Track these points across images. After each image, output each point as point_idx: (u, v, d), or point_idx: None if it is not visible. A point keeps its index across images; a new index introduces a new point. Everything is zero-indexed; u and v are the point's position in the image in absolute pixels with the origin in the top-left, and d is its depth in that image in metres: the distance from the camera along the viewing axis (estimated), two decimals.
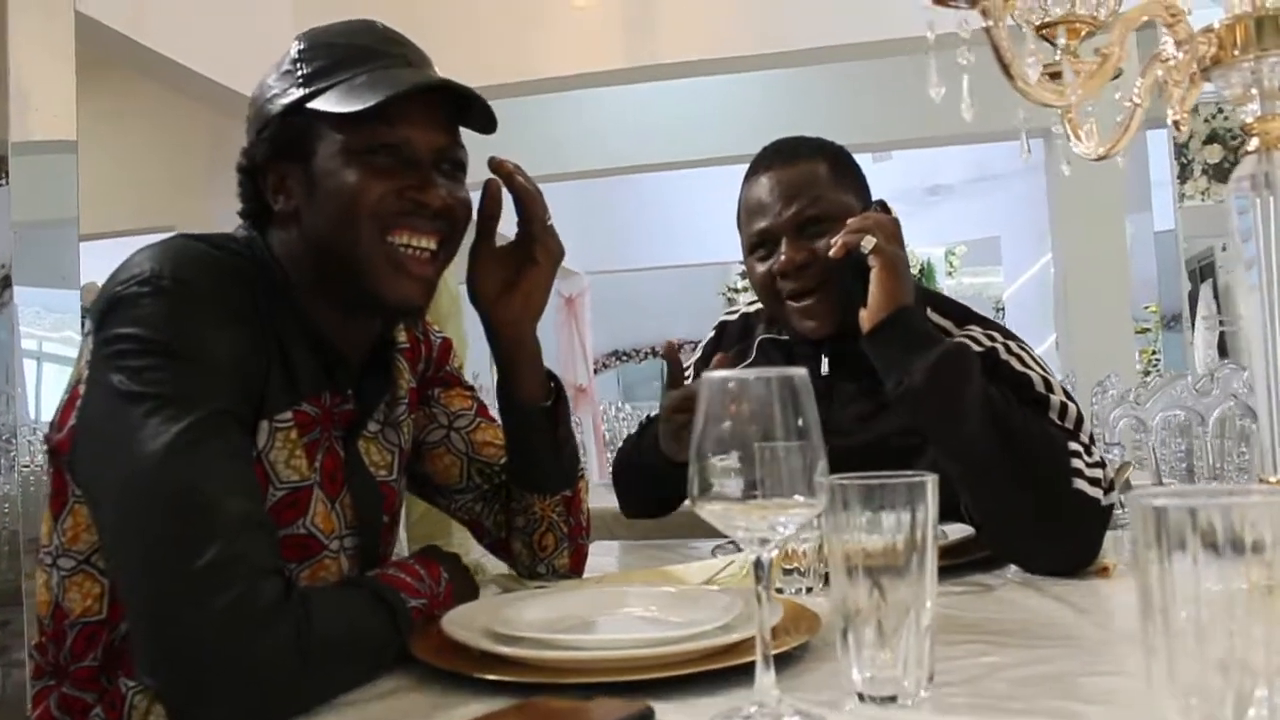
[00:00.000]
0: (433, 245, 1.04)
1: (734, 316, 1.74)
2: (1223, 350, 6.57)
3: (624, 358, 11.90)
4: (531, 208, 1.14)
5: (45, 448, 1.01)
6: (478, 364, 2.32)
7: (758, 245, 1.48)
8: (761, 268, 1.48)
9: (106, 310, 0.91)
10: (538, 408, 1.19)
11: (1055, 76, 0.88)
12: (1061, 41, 0.80)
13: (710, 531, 1.89)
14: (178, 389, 0.87)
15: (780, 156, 1.49)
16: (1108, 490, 1.22)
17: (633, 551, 1.66)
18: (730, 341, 1.70)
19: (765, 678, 0.71)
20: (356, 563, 1.08)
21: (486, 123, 1.06)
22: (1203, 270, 7.02)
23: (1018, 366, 1.35)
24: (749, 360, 1.64)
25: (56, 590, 0.99)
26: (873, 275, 1.29)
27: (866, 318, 1.29)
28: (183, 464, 0.83)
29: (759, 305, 1.70)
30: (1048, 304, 7.51)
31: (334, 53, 1.03)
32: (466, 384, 1.29)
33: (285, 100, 1.02)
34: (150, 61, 3.89)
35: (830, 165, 1.47)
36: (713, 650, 0.83)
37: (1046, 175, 6.32)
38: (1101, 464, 1.24)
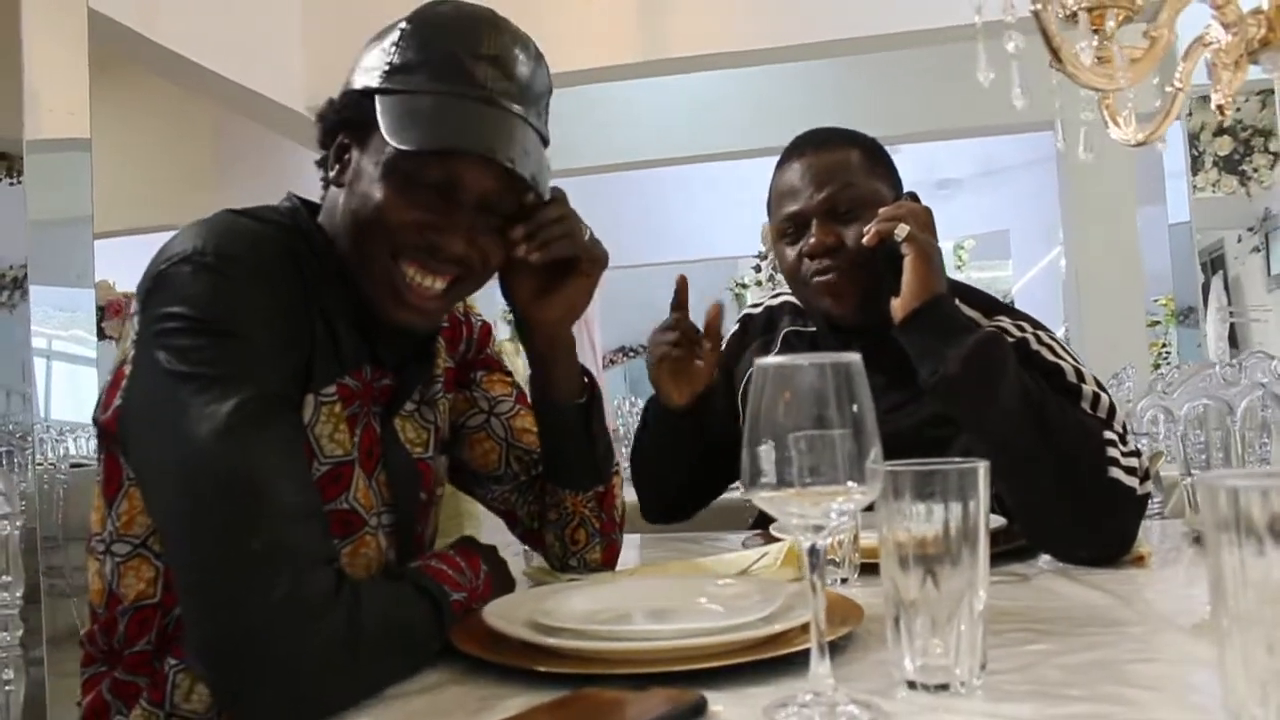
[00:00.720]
0: (440, 286, 1.01)
1: (758, 309, 1.73)
2: (1233, 342, 6.55)
3: (631, 354, 11.89)
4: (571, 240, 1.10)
5: (95, 431, 1.00)
6: None
7: (788, 229, 1.48)
8: (791, 251, 1.48)
9: (152, 288, 0.90)
10: (572, 404, 1.18)
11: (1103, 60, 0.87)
12: (1111, 25, 0.79)
13: (727, 525, 1.89)
14: (225, 368, 0.86)
15: (813, 143, 1.50)
16: (1143, 479, 1.21)
17: (655, 545, 1.66)
18: (754, 335, 1.70)
19: (820, 666, 0.71)
20: (393, 541, 1.07)
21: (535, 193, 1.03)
22: (1213, 262, 7.01)
23: (1049, 356, 1.34)
24: (773, 353, 1.63)
25: (110, 577, 0.98)
26: (906, 263, 1.28)
27: (900, 306, 1.28)
28: (234, 449, 0.82)
29: (783, 298, 1.70)
30: (1056, 297, 7.50)
31: (425, 50, 0.99)
32: (506, 369, 1.29)
33: (365, 81, 1.00)
34: (161, 58, 3.89)
35: (863, 154, 1.48)
36: (761, 640, 0.83)
37: (1058, 168, 6.31)
38: (1137, 453, 1.23)
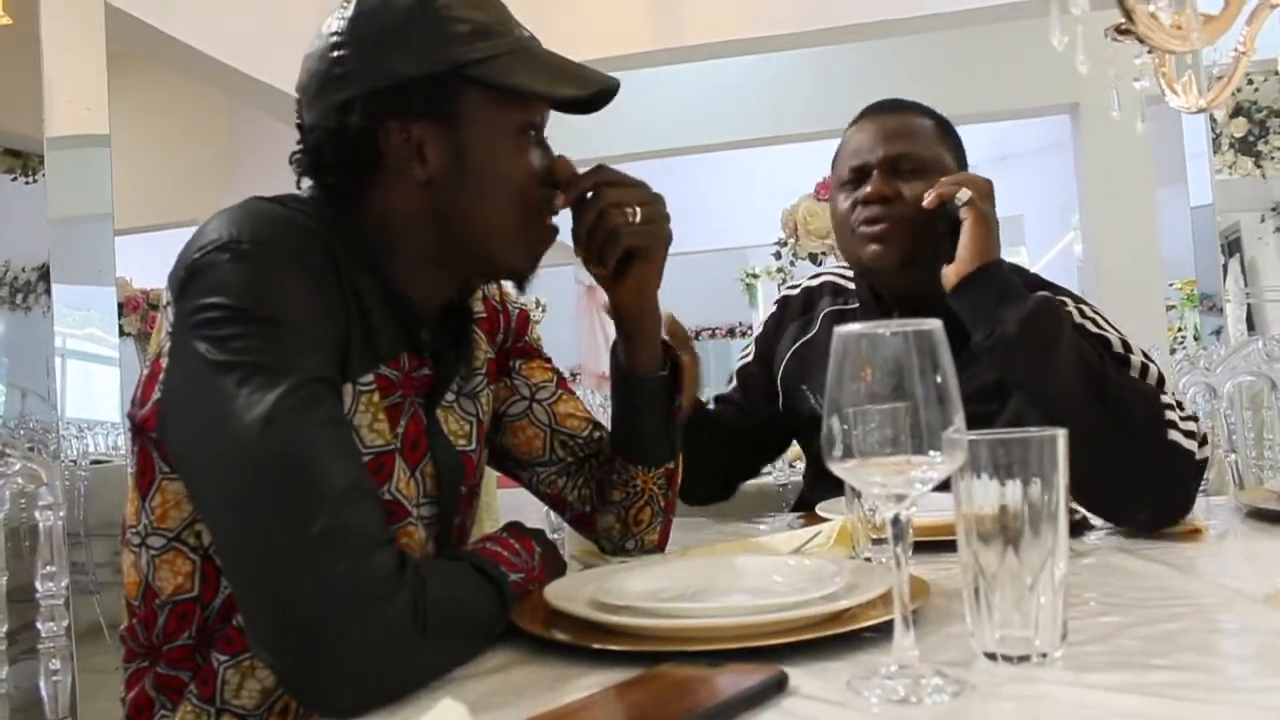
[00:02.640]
0: (555, 223, 1.07)
1: (796, 290, 1.73)
2: (1250, 325, 6.51)
3: None
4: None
5: (129, 425, 1.00)
6: None
7: (847, 180, 1.49)
8: (845, 200, 1.49)
9: (186, 278, 0.88)
10: (655, 376, 1.17)
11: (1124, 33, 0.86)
12: None
13: (764, 509, 1.88)
14: (268, 356, 0.84)
15: (889, 107, 1.53)
16: (1201, 443, 1.21)
17: (696, 529, 1.64)
18: (792, 316, 1.69)
19: (905, 638, 0.70)
20: (433, 532, 1.06)
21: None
22: (1230, 245, 6.96)
23: (1093, 329, 1.35)
24: (812, 333, 1.62)
25: (146, 571, 0.98)
26: (965, 228, 1.29)
27: (954, 271, 1.29)
28: (284, 433, 0.81)
29: (823, 278, 1.69)
30: (1072, 282, 7.46)
31: (480, 15, 0.99)
32: (545, 355, 1.28)
33: (437, 57, 0.96)
34: (177, 52, 3.89)
35: (935, 123, 1.51)
36: (834, 615, 0.82)
37: (1074, 152, 6.27)
38: (1194, 418, 1.23)
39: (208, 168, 5.87)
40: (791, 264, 4.45)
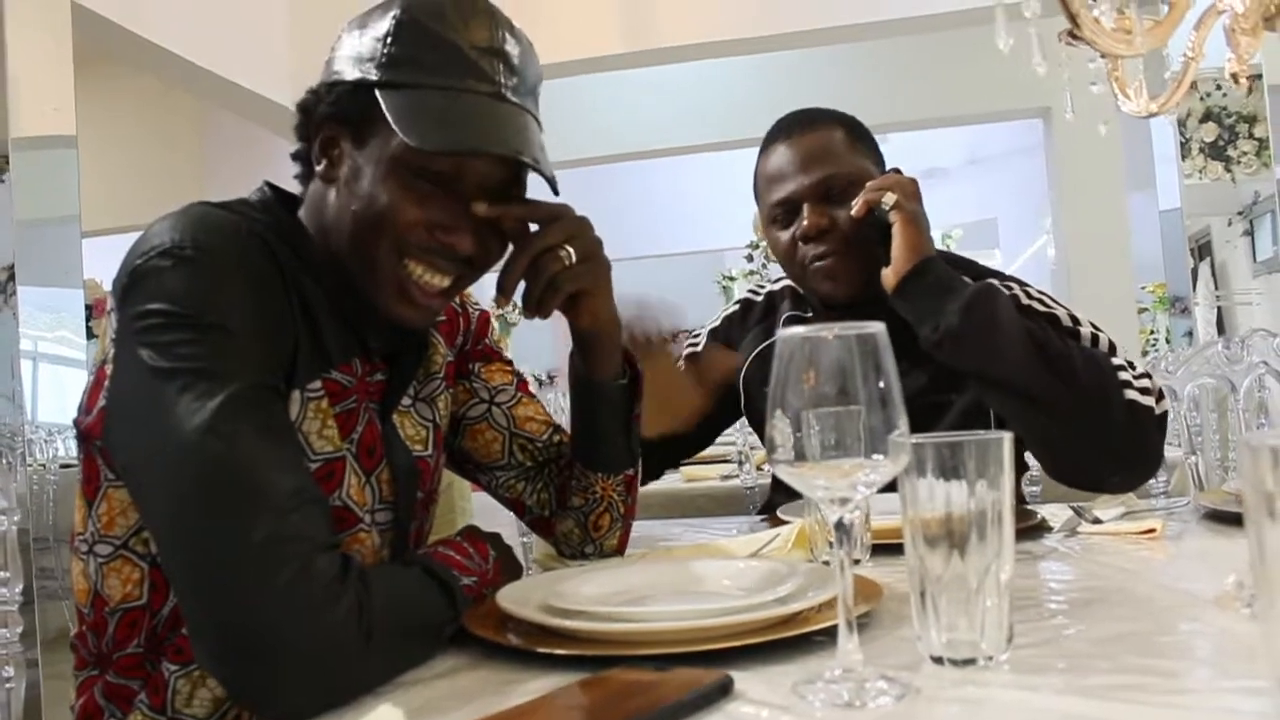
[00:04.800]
0: (447, 283, 1.00)
1: (759, 295, 1.74)
2: (1221, 327, 6.57)
3: None
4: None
5: (75, 432, 0.99)
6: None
7: (779, 214, 1.49)
8: (784, 235, 1.49)
9: (129, 285, 0.88)
10: (616, 384, 1.16)
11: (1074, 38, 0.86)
12: None
13: (730, 511, 1.87)
14: (211, 362, 0.83)
15: (797, 125, 1.51)
16: (1158, 399, 1.24)
17: (659, 531, 1.64)
18: (755, 319, 1.69)
19: (848, 643, 0.70)
20: (389, 537, 1.05)
21: (548, 184, 1.01)
22: (1200, 248, 7.03)
23: (1041, 308, 1.38)
24: (772, 339, 1.63)
25: (95, 578, 0.97)
26: (895, 230, 1.32)
27: (892, 273, 1.32)
28: (225, 441, 0.80)
29: (784, 283, 1.70)
30: (1045, 284, 7.51)
31: (424, 43, 0.96)
32: (506, 358, 1.27)
33: (359, 73, 0.96)
34: (146, 52, 3.86)
35: (846, 132, 1.49)
36: (783, 619, 0.82)
37: (1045, 155, 6.32)
38: (1148, 375, 1.27)
39: (180, 168, 5.83)
40: (764, 266, 4.46)
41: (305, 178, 1.05)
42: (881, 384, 0.68)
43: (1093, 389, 1.24)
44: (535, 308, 1.05)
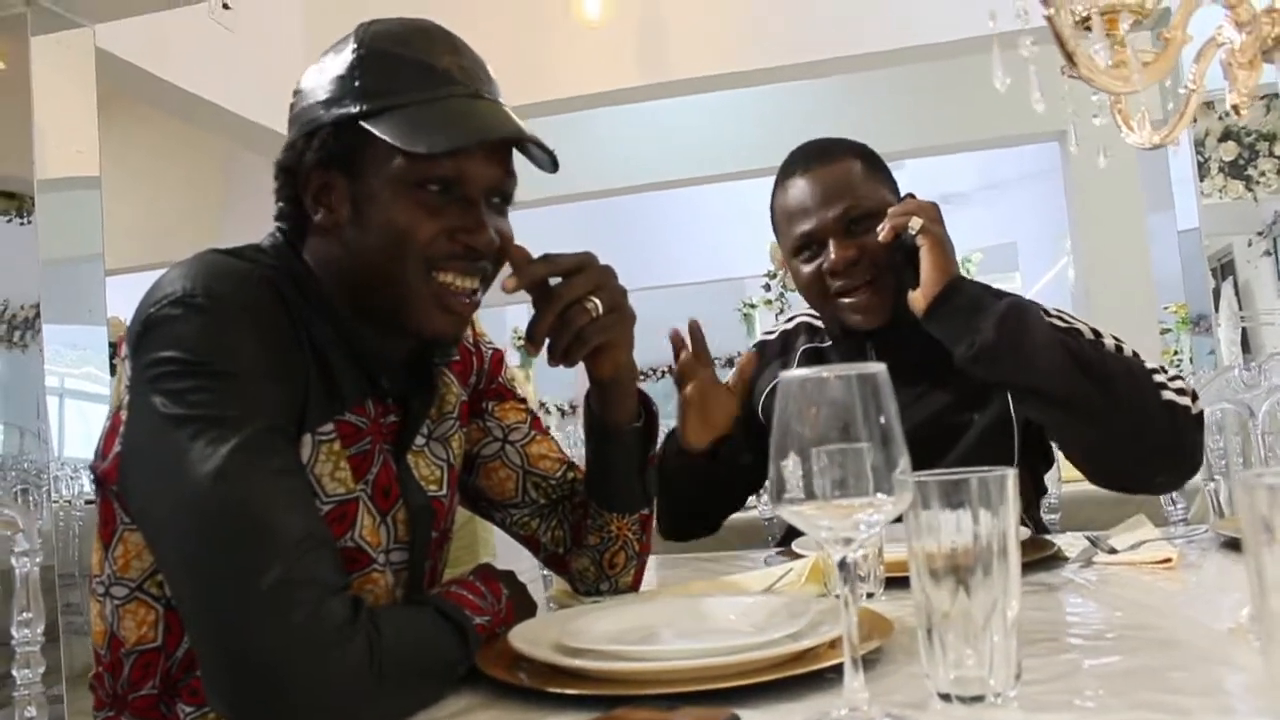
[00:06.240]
0: (476, 284, 1.02)
1: (772, 335, 1.76)
2: (1246, 347, 6.51)
3: (641, 376, 11.92)
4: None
5: (92, 477, 1.00)
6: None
7: (803, 247, 1.50)
8: (808, 268, 1.50)
9: (142, 333, 0.90)
10: (631, 428, 1.17)
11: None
12: (1124, 28, 0.79)
13: (750, 542, 1.87)
14: (223, 409, 0.85)
15: (814, 158, 1.52)
16: (1194, 399, 1.25)
17: (677, 565, 1.64)
18: (770, 357, 1.70)
19: (854, 680, 0.70)
20: (401, 577, 1.06)
21: (549, 162, 1.02)
22: (1223, 268, 6.97)
23: (1062, 324, 1.40)
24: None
25: (111, 620, 0.98)
26: (923, 254, 1.34)
27: (922, 295, 1.34)
28: (237, 486, 0.82)
29: (797, 320, 1.72)
30: (1066, 307, 7.47)
31: (393, 67, 0.98)
32: (519, 396, 1.28)
33: (339, 111, 0.97)
34: (169, 94, 3.93)
35: (864, 162, 1.51)
36: (791, 656, 0.82)
37: (1064, 178, 6.31)
38: (1180, 377, 1.30)
39: (207, 206, 5.91)
40: (781, 295, 4.46)
41: (294, 234, 1.04)
42: (883, 420, 0.68)
43: (1130, 392, 1.27)
44: (562, 358, 1.06)
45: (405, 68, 0.98)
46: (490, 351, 1.26)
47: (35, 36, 3.21)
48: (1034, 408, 1.32)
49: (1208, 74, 0.89)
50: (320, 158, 0.98)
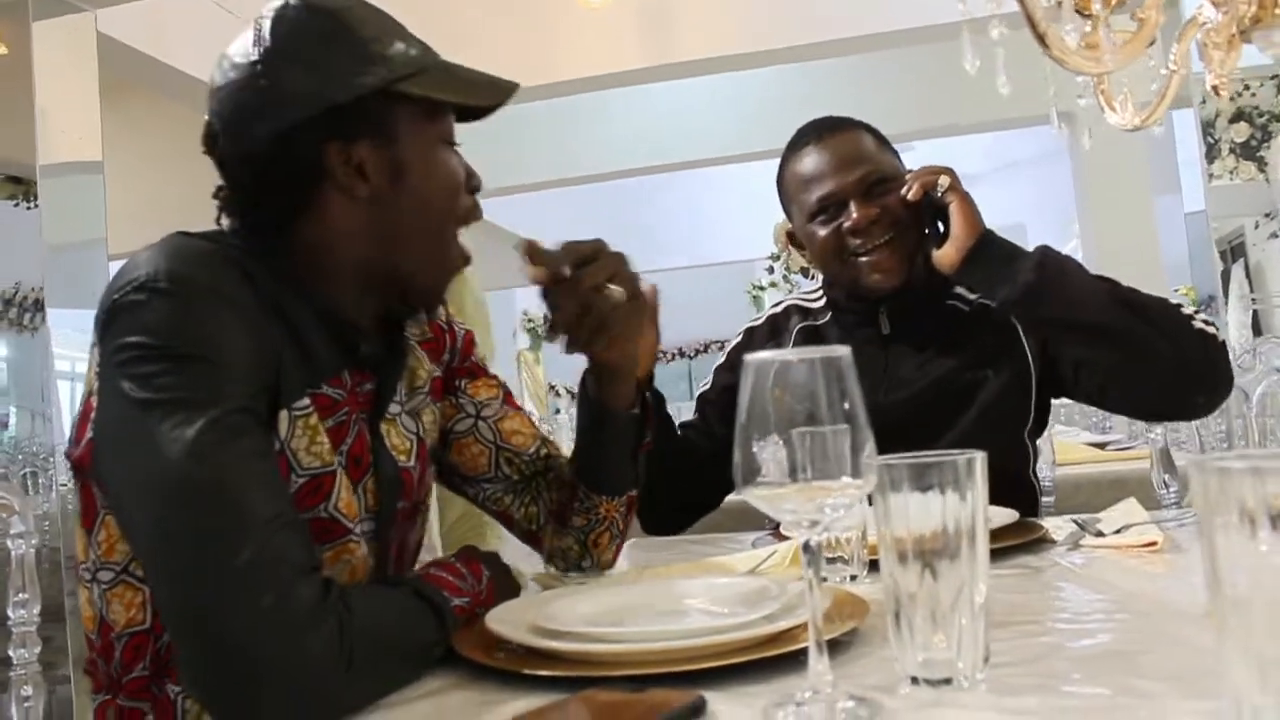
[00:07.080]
0: (465, 247, 1.08)
1: (759, 321, 1.75)
2: (1256, 329, 6.48)
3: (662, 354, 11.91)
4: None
5: (68, 464, 1.01)
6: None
7: (821, 210, 1.53)
8: (825, 230, 1.53)
9: (108, 319, 0.90)
10: (629, 415, 1.18)
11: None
12: (1097, 7, 0.78)
13: (744, 525, 1.87)
14: (190, 391, 0.85)
15: (826, 129, 1.57)
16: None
17: (665, 548, 1.63)
18: (759, 343, 1.70)
19: (819, 664, 0.70)
20: (372, 548, 1.05)
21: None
22: (1233, 250, 6.93)
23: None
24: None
25: (99, 604, 0.99)
26: (953, 210, 1.41)
27: (954, 248, 1.41)
28: (205, 467, 0.82)
29: (786, 304, 1.72)
30: None
31: (389, 35, 1.01)
32: (491, 374, 1.29)
33: (367, 79, 0.96)
34: (171, 79, 3.93)
35: (873, 135, 1.57)
36: (762, 639, 0.82)
37: (1071, 160, 6.27)
38: (1200, 311, 1.40)
39: (205, 190, 5.91)
40: (786, 278, 4.45)
41: (265, 219, 1.02)
42: (847, 405, 0.68)
43: (1169, 319, 1.35)
44: (584, 345, 1.09)
45: (396, 32, 1.02)
46: (463, 331, 1.26)
47: (37, 22, 3.22)
48: (1079, 344, 1.40)
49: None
50: (350, 132, 0.98)
